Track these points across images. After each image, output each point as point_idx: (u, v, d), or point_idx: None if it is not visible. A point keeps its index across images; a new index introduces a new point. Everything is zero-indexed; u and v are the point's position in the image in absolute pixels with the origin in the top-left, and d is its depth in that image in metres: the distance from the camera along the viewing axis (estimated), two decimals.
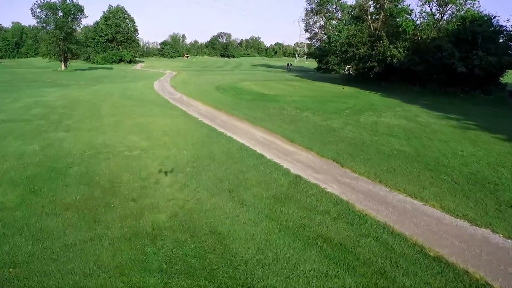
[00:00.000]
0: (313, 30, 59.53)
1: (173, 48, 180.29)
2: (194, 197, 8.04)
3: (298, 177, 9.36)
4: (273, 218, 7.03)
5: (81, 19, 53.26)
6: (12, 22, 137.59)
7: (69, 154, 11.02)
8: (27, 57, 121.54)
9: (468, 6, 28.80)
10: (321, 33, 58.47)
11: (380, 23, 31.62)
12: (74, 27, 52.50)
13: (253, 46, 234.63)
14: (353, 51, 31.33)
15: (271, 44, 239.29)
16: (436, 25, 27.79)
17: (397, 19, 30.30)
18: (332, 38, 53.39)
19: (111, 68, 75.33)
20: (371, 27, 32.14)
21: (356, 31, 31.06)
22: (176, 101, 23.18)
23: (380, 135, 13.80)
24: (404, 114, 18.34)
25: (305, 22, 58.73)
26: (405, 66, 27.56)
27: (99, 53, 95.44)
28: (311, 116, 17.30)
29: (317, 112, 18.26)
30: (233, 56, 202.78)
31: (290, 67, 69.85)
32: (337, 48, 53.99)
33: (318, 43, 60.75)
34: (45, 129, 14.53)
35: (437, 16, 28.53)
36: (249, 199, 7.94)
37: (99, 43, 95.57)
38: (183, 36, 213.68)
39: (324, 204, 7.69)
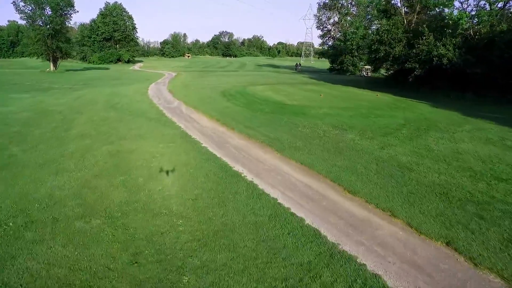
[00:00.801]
0: (326, 27, 54.56)
1: (174, 47, 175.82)
2: None
3: None
4: None
5: (71, 15, 48.46)
6: (8, 21, 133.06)
7: None
8: (22, 56, 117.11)
9: None
10: (335, 30, 53.45)
11: (415, 16, 26.53)
12: (63, 23, 47.65)
13: (256, 46, 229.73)
14: (385, 50, 26.25)
15: (274, 44, 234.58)
16: (500, 16, 22.63)
17: (439, 10, 25.28)
18: (348, 35, 48.44)
19: (107, 69, 70.64)
20: (405, 21, 27.01)
21: (390, 25, 25.97)
22: (173, 112, 18.31)
23: (487, 180, 8.84)
24: (483, 135, 13.34)
25: (317, 19, 53.82)
26: (457, 68, 22.45)
27: (95, 52, 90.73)
28: (360, 141, 12.35)
29: (364, 133, 13.29)
30: (235, 56, 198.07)
31: (299, 67, 64.87)
32: (353, 47, 49.14)
33: (331, 41, 55.71)
34: None
35: (499, 5, 23.33)
36: None
37: (95, 41, 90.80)
38: (184, 35, 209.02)
39: None
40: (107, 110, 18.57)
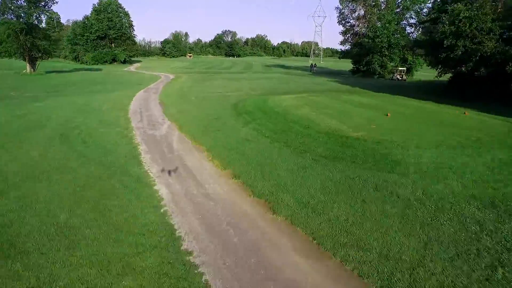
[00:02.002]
0: (348, 22, 46.79)
1: (175, 47, 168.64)
2: None
3: None
4: None
5: (51, 7, 40.98)
6: None
7: None
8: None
9: None
10: (360, 25, 45.64)
11: None
12: (40, 16, 40.23)
13: (260, 45, 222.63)
14: (465, 46, 18.25)
15: (278, 43, 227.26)
16: None
17: None
18: (379, 31, 40.64)
19: (99, 70, 63.19)
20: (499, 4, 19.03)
21: (475, 10, 17.98)
22: (156, 150, 10.70)
23: None
24: None
25: (338, 12, 46.09)
26: None
27: (88, 51, 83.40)
28: None
29: None
30: (238, 56, 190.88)
31: (315, 68, 57.10)
32: (384, 45, 41.34)
33: (354, 38, 47.85)
34: None
35: None
36: None
37: (88, 40, 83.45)
38: (186, 34, 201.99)
39: None
40: (44, 146, 10.95)
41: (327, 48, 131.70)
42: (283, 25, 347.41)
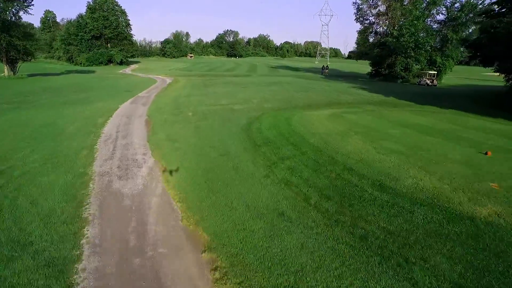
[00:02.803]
0: (367, 20, 41.64)
1: (175, 47, 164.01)
2: None
3: None
4: None
5: (31, 3, 35.97)
6: None
7: None
8: None
9: None
10: (381, 23, 40.47)
11: None
12: (18, 12, 35.24)
13: (262, 45, 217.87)
14: None
15: (280, 43, 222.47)
16: None
17: None
18: (405, 29, 35.50)
19: (93, 72, 58.32)
20: None
21: None
22: (109, 239, 5.63)
23: None
24: None
25: (356, 7, 40.89)
26: None
27: (83, 52, 78.56)
28: None
29: None
30: (240, 56, 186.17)
31: (327, 70, 51.97)
32: (410, 45, 36.24)
33: (373, 37, 42.72)
34: None
35: None
36: None
37: (83, 40, 78.56)
38: (187, 34, 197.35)
39: None
40: None
41: (330, 48, 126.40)
42: (285, 25, 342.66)
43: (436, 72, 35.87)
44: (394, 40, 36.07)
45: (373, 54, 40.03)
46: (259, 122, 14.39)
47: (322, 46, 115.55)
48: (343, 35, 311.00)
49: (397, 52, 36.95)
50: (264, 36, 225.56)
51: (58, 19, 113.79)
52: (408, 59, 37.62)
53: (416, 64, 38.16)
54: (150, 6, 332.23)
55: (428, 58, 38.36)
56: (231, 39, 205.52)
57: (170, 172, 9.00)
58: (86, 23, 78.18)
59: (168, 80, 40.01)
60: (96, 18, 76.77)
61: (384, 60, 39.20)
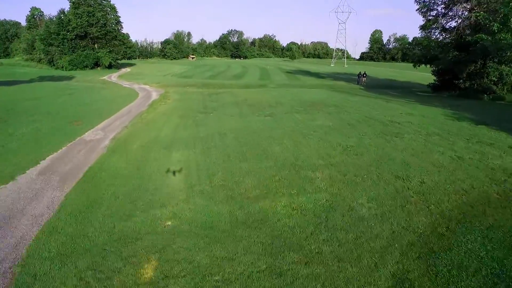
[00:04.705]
0: (434, 9, 29.63)
1: (176, 48, 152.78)
2: None
3: None
4: None
5: None
6: None
7: None
8: None
9: None
10: (461, 14, 28.34)
11: None
12: None
13: (268, 46, 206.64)
14: None
15: (287, 44, 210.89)
16: None
17: None
18: (504, 17, 23.46)
19: (69, 78, 47.03)
20: None
21: None
22: None
23: None
24: None
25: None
26: None
27: (65, 54, 67.27)
28: None
29: None
30: (245, 57, 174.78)
31: (364, 79, 40.03)
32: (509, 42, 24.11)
33: (440, 35, 30.68)
34: None
35: None
36: None
37: (65, 40, 67.29)
38: (189, 34, 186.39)
39: None
40: None
41: (337, 49, 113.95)
42: (291, 24, 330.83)
43: None
44: (489, 38, 23.94)
45: (447, 58, 27.89)
46: None
47: (338, 48, 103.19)
48: (351, 35, 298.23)
49: (492, 55, 24.94)
50: (270, 36, 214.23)
51: (47, 17, 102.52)
52: (504, 65, 25.59)
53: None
54: (152, 4, 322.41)
55: None
56: (235, 40, 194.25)
57: None
58: (69, 20, 66.86)
59: (155, 95, 28.37)
60: (80, 14, 65.36)
61: (464, 67, 27.17)
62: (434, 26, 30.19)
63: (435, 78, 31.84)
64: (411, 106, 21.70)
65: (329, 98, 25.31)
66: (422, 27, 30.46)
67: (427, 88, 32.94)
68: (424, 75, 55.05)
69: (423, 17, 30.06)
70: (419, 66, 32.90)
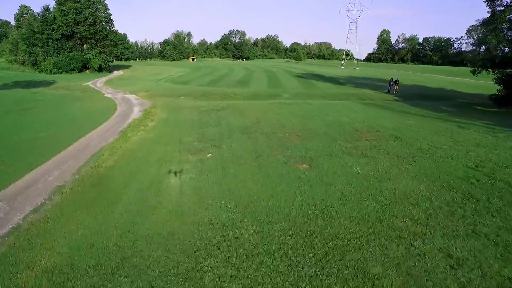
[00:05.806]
0: (501, 5, 22.62)
1: (175, 48, 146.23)
2: None
3: None
4: None
5: None
6: None
7: None
8: None
9: None
10: None
11: None
12: None
13: (271, 46, 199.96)
14: None
15: (290, 44, 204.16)
16: None
17: None
18: None
19: (48, 84, 40.51)
20: None
21: None
22: None
23: None
24: None
25: None
26: None
27: (50, 56, 60.55)
28: None
29: None
30: (247, 58, 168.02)
31: (397, 87, 33.05)
32: None
33: (508, 31, 23.67)
34: None
35: None
36: None
37: (50, 40, 60.56)
38: (189, 34, 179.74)
39: None
40: None
41: (341, 50, 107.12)
42: (294, 24, 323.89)
43: None
44: None
45: None
46: None
47: (349, 50, 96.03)
48: (353, 35, 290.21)
49: None
50: (273, 37, 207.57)
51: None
52: None
53: None
54: (152, 4, 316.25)
55: None
56: (237, 40, 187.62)
57: None
58: (54, 18, 60.16)
59: (137, 111, 21.47)
60: (65, 12, 58.60)
61: None
62: (496, 23, 23.12)
63: (499, 87, 24.75)
64: (501, 135, 14.56)
65: (373, 118, 18.30)
66: (486, 23, 23.39)
67: (487, 101, 25.84)
68: (453, 80, 47.89)
69: (490, 8, 22.99)
70: (479, 73, 25.77)
